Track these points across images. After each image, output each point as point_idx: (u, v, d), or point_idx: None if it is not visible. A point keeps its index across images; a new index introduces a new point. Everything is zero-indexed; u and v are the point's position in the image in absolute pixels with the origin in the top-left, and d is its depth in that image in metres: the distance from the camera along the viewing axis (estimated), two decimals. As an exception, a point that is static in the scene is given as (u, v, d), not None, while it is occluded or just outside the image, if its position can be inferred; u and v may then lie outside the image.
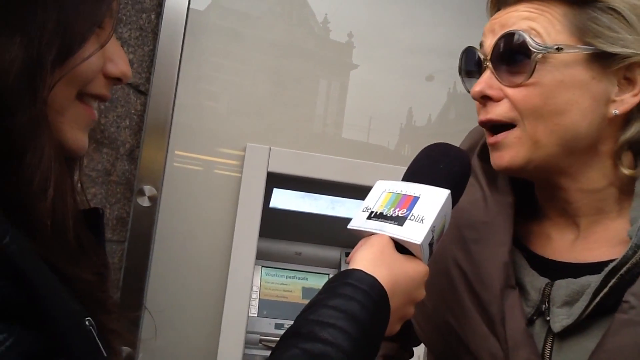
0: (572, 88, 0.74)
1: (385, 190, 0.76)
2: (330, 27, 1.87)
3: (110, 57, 0.65)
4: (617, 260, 0.71)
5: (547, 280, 0.79)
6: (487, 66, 0.79)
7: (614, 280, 0.71)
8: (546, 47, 0.74)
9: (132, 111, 1.57)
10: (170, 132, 1.62)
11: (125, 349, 0.68)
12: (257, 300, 1.79)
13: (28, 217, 0.54)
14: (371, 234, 0.72)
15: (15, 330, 0.46)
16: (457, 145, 0.96)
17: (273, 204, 1.78)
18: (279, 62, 1.80)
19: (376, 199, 0.76)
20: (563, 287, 0.76)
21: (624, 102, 0.75)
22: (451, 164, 0.78)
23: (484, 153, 0.88)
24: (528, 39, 0.74)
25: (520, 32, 0.75)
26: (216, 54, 1.76)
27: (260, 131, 1.74)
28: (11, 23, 0.53)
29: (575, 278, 0.76)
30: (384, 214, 0.73)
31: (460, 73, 0.87)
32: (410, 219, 0.71)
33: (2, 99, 0.53)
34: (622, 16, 0.73)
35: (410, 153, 1.91)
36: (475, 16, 1.88)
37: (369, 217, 0.74)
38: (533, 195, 0.88)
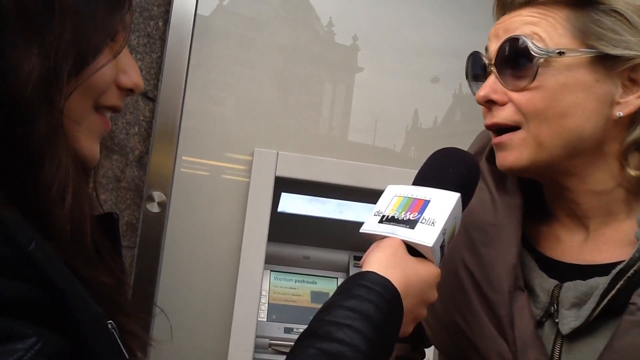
0: (576, 91, 0.75)
1: (397, 195, 0.77)
2: (335, 30, 1.88)
3: (123, 68, 0.67)
4: (625, 263, 0.72)
5: (555, 282, 0.79)
6: (491, 71, 0.80)
7: (621, 282, 0.71)
8: (548, 52, 0.74)
9: (141, 118, 1.58)
10: (178, 138, 1.63)
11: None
12: (266, 304, 1.80)
13: (48, 224, 0.55)
14: (383, 237, 0.74)
15: (43, 333, 0.48)
16: (466, 147, 0.97)
17: (281, 208, 1.78)
18: (285, 66, 1.81)
19: (387, 203, 0.77)
20: (571, 289, 0.76)
21: (629, 103, 0.75)
22: (460, 168, 0.79)
23: (492, 156, 0.88)
24: (530, 44, 0.75)
25: (523, 37, 0.76)
26: (222, 59, 1.78)
27: (267, 135, 1.75)
28: (29, 34, 0.55)
29: (584, 280, 0.76)
30: (396, 217, 0.74)
31: (467, 77, 0.88)
32: (421, 222, 0.72)
33: (20, 109, 0.54)
34: (625, 18, 0.74)
35: (417, 155, 1.92)
36: (480, 17, 1.88)
37: (381, 221, 0.75)
38: (542, 196, 0.88)
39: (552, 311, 0.78)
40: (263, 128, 1.76)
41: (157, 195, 1.59)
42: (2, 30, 0.54)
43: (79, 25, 0.58)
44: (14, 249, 0.48)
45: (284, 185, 1.72)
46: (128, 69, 0.67)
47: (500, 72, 0.79)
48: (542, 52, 0.74)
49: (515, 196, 0.86)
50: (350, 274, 1.83)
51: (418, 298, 0.71)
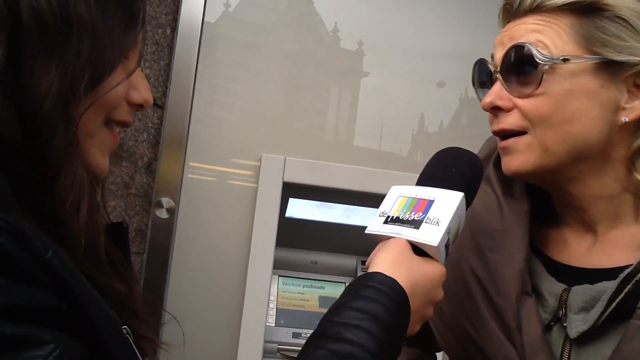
0: (581, 97, 0.75)
1: (401, 195, 0.78)
2: (340, 35, 1.89)
3: (134, 84, 0.68)
4: (632, 267, 0.72)
5: (564, 286, 0.79)
6: (497, 78, 0.81)
7: (629, 286, 0.71)
8: (552, 58, 0.75)
9: (150, 125, 1.60)
10: (187, 144, 1.65)
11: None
12: (275, 309, 1.80)
13: (63, 234, 0.57)
14: (388, 238, 0.74)
15: (62, 339, 0.48)
16: (472, 151, 0.97)
17: (289, 213, 1.79)
18: (290, 71, 1.82)
19: (392, 204, 0.78)
20: (580, 293, 0.77)
21: (634, 109, 0.76)
22: (463, 167, 0.80)
23: (500, 161, 0.89)
24: (534, 51, 0.76)
25: (527, 44, 0.76)
26: (229, 66, 1.79)
27: (274, 141, 1.76)
28: (48, 51, 0.56)
29: (592, 284, 0.76)
30: (400, 218, 0.75)
31: (473, 84, 0.89)
32: (426, 222, 0.73)
33: (39, 124, 0.55)
34: (630, 24, 0.74)
35: (423, 159, 1.92)
36: (485, 22, 1.89)
37: (386, 222, 0.76)
38: (550, 200, 0.89)
39: (560, 315, 0.78)
40: (270, 133, 1.77)
41: (166, 201, 1.61)
42: (23, 46, 0.55)
43: (95, 42, 0.59)
44: (31, 256, 0.49)
45: (291, 190, 1.73)
46: (138, 85, 0.69)
47: (506, 79, 0.79)
48: (547, 59, 0.75)
49: (523, 202, 0.86)
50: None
51: (425, 297, 0.72)
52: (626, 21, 0.74)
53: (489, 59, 0.84)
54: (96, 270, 0.60)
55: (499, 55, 0.80)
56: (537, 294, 0.81)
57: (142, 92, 0.70)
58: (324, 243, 1.88)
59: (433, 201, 0.75)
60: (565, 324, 0.77)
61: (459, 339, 0.88)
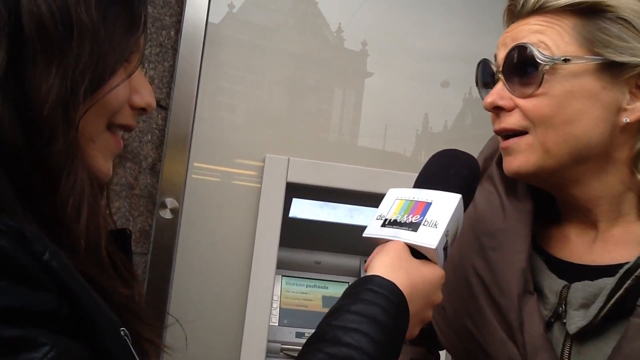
0: (582, 98, 0.76)
1: (398, 198, 0.78)
2: (344, 36, 1.89)
3: (137, 88, 0.69)
4: (632, 262, 0.72)
5: (564, 282, 0.79)
6: (499, 78, 0.81)
7: (629, 282, 0.71)
8: (553, 59, 0.75)
9: (154, 126, 1.60)
10: (190, 145, 1.65)
11: None
12: (278, 309, 1.80)
13: (64, 238, 0.57)
14: (386, 241, 0.74)
15: (59, 342, 0.48)
16: (477, 151, 0.98)
17: (292, 213, 1.80)
18: (295, 72, 1.83)
19: (389, 207, 0.78)
20: (580, 289, 0.77)
21: (636, 110, 0.76)
22: (461, 169, 0.80)
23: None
24: (536, 52, 0.76)
25: (529, 44, 0.77)
26: (233, 67, 1.79)
27: (278, 142, 1.77)
28: (49, 54, 0.56)
29: (593, 280, 0.76)
30: (398, 220, 0.75)
31: (476, 84, 0.89)
32: (424, 225, 0.73)
33: (39, 127, 0.56)
34: (632, 25, 0.75)
35: (427, 160, 1.92)
36: (489, 23, 1.89)
37: (384, 225, 0.76)
38: (553, 198, 0.89)
39: (560, 312, 0.78)
40: (274, 134, 1.78)
41: (170, 202, 1.61)
42: (23, 50, 0.56)
43: (96, 46, 0.59)
44: (30, 257, 0.49)
45: (295, 190, 1.73)
46: (141, 89, 0.69)
47: (508, 79, 0.80)
48: (548, 60, 0.75)
49: (526, 201, 0.87)
50: (362, 278, 1.83)
51: (424, 300, 0.72)
52: (628, 22, 0.75)
53: (492, 60, 0.84)
54: (99, 273, 0.60)
55: (502, 55, 0.81)
56: (538, 291, 0.81)
57: (145, 95, 0.70)
58: (327, 243, 1.88)
59: (431, 203, 0.74)
60: (564, 321, 0.77)
61: (462, 338, 0.88)
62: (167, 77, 1.63)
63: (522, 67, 0.77)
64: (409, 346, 1.04)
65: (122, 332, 0.58)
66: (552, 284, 0.80)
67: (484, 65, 0.86)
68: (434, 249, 0.71)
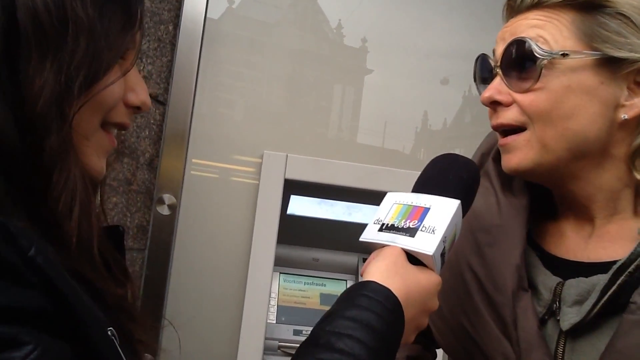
0: (580, 93, 0.75)
1: (396, 202, 0.77)
2: (344, 32, 1.88)
3: (132, 86, 0.68)
4: (625, 258, 0.72)
5: (559, 279, 0.79)
6: (497, 72, 0.81)
7: (622, 278, 0.71)
8: (551, 53, 0.75)
9: (152, 121, 1.60)
10: (188, 141, 1.65)
11: (147, 356, 0.70)
12: (276, 306, 1.80)
13: (56, 235, 0.56)
14: (383, 245, 0.73)
15: (42, 340, 0.47)
16: (475, 149, 0.97)
17: (290, 210, 1.79)
18: (294, 68, 1.82)
19: (387, 211, 0.76)
20: (574, 286, 0.76)
21: (634, 106, 0.75)
22: (460, 174, 0.79)
23: (499, 156, 0.89)
24: (534, 46, 0.75)
25: (527, 39, 0.76)
26: (232, 62, 1.79)
27: (276, 138, 1.76)
28: (43, 50, 0.56)
29: (587, 277, 0.76)
30: (396, 225, 0.74)
31: (475, 79, 0.89)
32: (421, 230, 0.72)
33: (33, 122, 0.55)
34: (631, 21, 0.74)
35: (426, 157, 1.91)
36: (489, 20, 1.88)
37: (381, 229, 0.75)
38: (550, 194, 0.88)
39: (554, 309, 0.78)
40: (272, 131, 1.77)
41: (168, 197, 1.61)
42: (18, 45, 0.55)
43: (91, 42, 0.59)
44: (14, 252, 0.48)
45: (293, 187, 1.73)
46: (136, 87, 0.69)
47: (506, 74, 0.79)
48: (546, 54, 0.75)
49: (522, 196, 0.86)
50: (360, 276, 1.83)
51: (419, 307, 0.71)
52: (627, 18, 0.74)
53: (491, 55, 0.84)
54: (90, 271, 0.59)
55: (500, 50, 0.81)
56: (533, 288, 0.81)
57: (140, 94, 0.69)
58: (325, 240, 1.88)
59: (429, 209, 0.73)
60: (558, 318, 0.77)
61: (457, 336, 0.88)
62: (165, 72, 1.62)
63: (520, 62, 0.77)
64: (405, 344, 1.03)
65: (109, 332, 0.57)
66: (547, 280, 0.80)
67: (482, 60, 0.86)
68: (431, 256, 0.70)
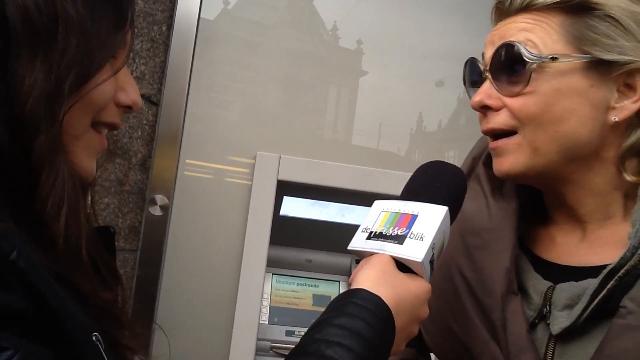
0: (570, 96, 0.75)
1: (384, 210, 0.76)
2: (340, 34, 1.88)
3: (122, 86, 0.68)
4: (615, 262, 0.71)
5: (549, 283, 0.79)
6: (486, 77, 0.80)
7: (612, 282, 0.71)
8: (541, 57, 0.75)
9: (144, 122, 1.59)
10: (181, 141, 1.65)
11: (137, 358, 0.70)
12: (268, 307, 1.80)
13: (44, 237, 0.55)
14: (372, 253, 0.73)
15: (22, 345, 0.47)
16: (467, 152, 0.97)
17: (283, 211, 1.79)
18: (289, 69, 1.82)
19: (375, 219, 0.76)
20: (565, 290, 0.76)
21: (624, 108, 0.75)
22: (447, 181, 0.79)
23: (490, 160, 0.89)
24: (523, 50, 0.75)
25: (516, 43, 0.76)
26: (227, 63, 1.79)
27: (271, 139, 1.76)
28: (33, 48, 0.55)
29: (578, 281, 0.76)
30: (384, 233, 0.73)
31: (464, 83, 0.88)
32: (410, 237, 0.71)
33: (22, 122, 0.55)
34: (620, 23, 0.74)
35: (421, 159, 1.92)
36: (484, 23, 1.87)
37: (369, 237, 0.74)
38: (540, 199, 0.88)
39: (544, 313, 0.78)
40: (267, 132, 1.77)
41: (160, 198, 1.61)
42: (8, 43, 0.55)
43: (82, 41, 0.59)
44: None
45: (286, 188, 1.73)
46: (127, 87, 0.68)
47: (495, 78, 0.79)
48: (535, 58, 0.75)
49: (512, 200, 0.86)
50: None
51: (410, 315, 0.70)
52: (616, 20, 0.74)
53: (480, 59, 0.84)
54: (77, 274, 0.58)
55: (489, 54, 0.80)
56: (523, 292, 0.81)
57: (131, 93, 0.69)
58: (318, 241, 1.88)
59: (417, 216, 0.73)
60: (548, 322, 0.77)
61: (446, 339, 0.88)
62: (158, 72, 1.62)
63: (509, 66, 0.77)
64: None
65: (94, 337, 0.56)
66: (537, 284, 0.80)
67: (471, 64, 0.86)
68: (420, 262, 0.69)
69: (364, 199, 1.73)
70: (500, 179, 0.86)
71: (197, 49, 1.67)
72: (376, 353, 0.63)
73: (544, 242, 0.86)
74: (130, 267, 1.58)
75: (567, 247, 0.83)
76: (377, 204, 0.78)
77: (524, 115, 0.77)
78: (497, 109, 0.79)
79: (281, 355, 1.72)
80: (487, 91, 0.80)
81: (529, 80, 0.75)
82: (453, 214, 0.76)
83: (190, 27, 1.64)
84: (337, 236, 1.82)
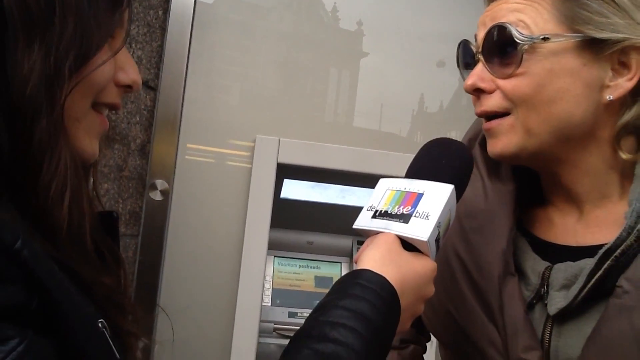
0: (563, 76, 0.74)
1: (389, 188, 0.76)
2: (340, 15, 1.87)
3: (121, 66, 0.67)
4: (611, 242, 0.71)
5: (547, 264, 0.79)
6: (479, 59, 0.80)
7: (608, 262, 0.71)
8: (532, 38, 0.74)
9: (142, 107, 1.59)
10: (180, 126, 1.65)
11: (141, 342, 0.70)
12: (270, 289, 1.82)
13: (46, 223, 0.55)
14: (377, 232, 0.72)
15: (27, 335, 0.47)
16: (463, 134, 0.96)
17: (284, 194, 1.80)
18: (289, 52, 1.81)
19: (380, 197, 0.75)
20: (562, 270, 0.76)
21: (618, 86, 0.75)
22: (453, 159, 0.78)
23: (485, 141, 0.88)
24: (514, 31, 0.74)
25: (507, 24, 0.75)
26: (225, 47, 1.78)
27: (270, 122, 1.76)
28: (30, 32, 0.55)
29: (575, 261, 0.76)
30: (389, 212, 0.72)
31: (458, 65, 0.88)
32: (415, 216, 0.70)
33: (22, 107, 0.54)
34: (613, 1, 0.73)
35: (423, 140, 1.89)
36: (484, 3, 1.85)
37: (374, 216, 0.73)
38: (537, 181, 0.88)
39: (542, 293, 0.78)
40: (267, 115, 1.77)
41: (160, 183, 1.61)
42: (4, 28, 0.54)
43: (79, 23, 0.58)
44: (0, 248, 0.47)
45: (286, 171, 1.73)
46: (126, 67, 0.68)
47: (487, 60, 0.78)
48: (526, 39, 0.74)
49: (508, 182, 0.86)
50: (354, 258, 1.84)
51: (415, 294, 0.69)
52: None
53: (473, 41, 0.83)
54: (80, 261, 0.58)
55: (481, 35, 0.80)
56: (521, 273, 0.81)
57: (130, 73, 0.68)
58: (319, 223, 1.88)
59: (422, 194, 0.72)
60: (546, 302, 0.77)
61: (444, 322, 0.88)
62: (156, 57, 1.61)
63: (501, 47, 0.76)
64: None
65: (99, 324, 0.56)
66: (535, 265, 0.80)
67: (464, 46, 0.85)
68: (426, 241, 0.69)
69: (365, 180, 1.74)
70: (496, 161, 0.86)
71: (194, 33, 1.66)
72: (381, 333, 0.63)
73: (542, 223, 0.85)
74: (132, 252, 1.59)
75: (565, 227, 0.83)
76: (383, 182, 0.78)
77: (517, 96, 0.76)
78: (490, 92, 0.79)
79: (284, 336, 1.74)
80: (479, 74, 0.79)
81: (520, 62, 0.74)
82: (459, 192, 0.75)
83: (186, 11, 1.63)
84: (338, 218, 1.84)
